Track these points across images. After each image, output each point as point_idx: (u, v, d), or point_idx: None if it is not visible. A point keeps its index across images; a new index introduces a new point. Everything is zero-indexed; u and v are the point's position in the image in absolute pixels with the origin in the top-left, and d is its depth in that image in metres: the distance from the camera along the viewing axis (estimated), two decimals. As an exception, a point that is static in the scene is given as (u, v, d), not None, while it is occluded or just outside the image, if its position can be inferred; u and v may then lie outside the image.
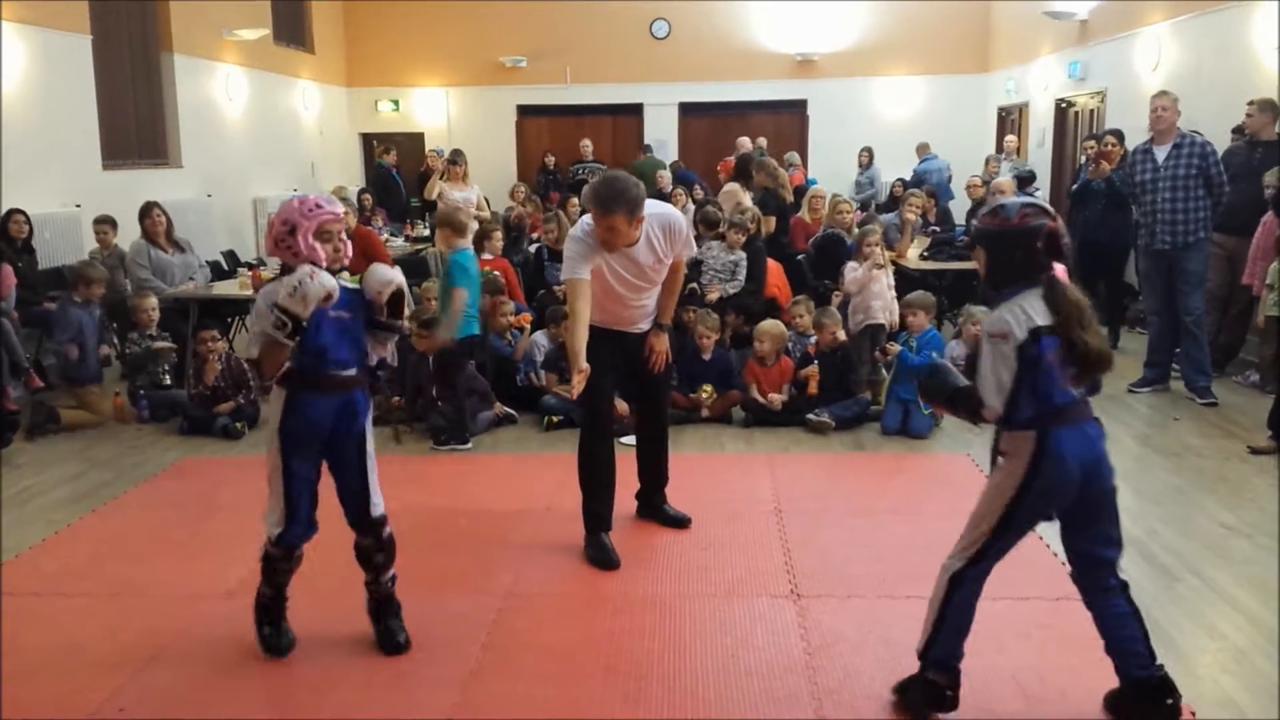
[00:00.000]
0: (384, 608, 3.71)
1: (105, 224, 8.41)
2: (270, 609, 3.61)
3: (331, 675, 3.51)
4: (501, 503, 5.22)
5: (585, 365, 4.04)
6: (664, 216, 4.31)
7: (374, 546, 3.64)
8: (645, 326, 4.53)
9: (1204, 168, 6.63)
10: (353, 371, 3.49)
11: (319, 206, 3.33)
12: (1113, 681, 3.24)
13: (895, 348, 6.46)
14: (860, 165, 14.43)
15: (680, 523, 4.81)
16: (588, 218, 4.28)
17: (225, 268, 9.78)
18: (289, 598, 3.65)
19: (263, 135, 13.07)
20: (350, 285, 3.49)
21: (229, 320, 8.40)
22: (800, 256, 8.49)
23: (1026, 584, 4.04)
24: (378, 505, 3.62)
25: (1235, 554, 4.42)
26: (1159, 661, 3.08)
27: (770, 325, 6.71)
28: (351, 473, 3.56)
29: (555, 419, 6.49)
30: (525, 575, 4.33)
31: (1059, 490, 2.94)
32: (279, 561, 3.53)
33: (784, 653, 3.59)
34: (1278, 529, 4.60)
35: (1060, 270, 2.92)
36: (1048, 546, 4.47)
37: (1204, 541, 4.55)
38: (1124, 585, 3.08)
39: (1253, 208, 6.96)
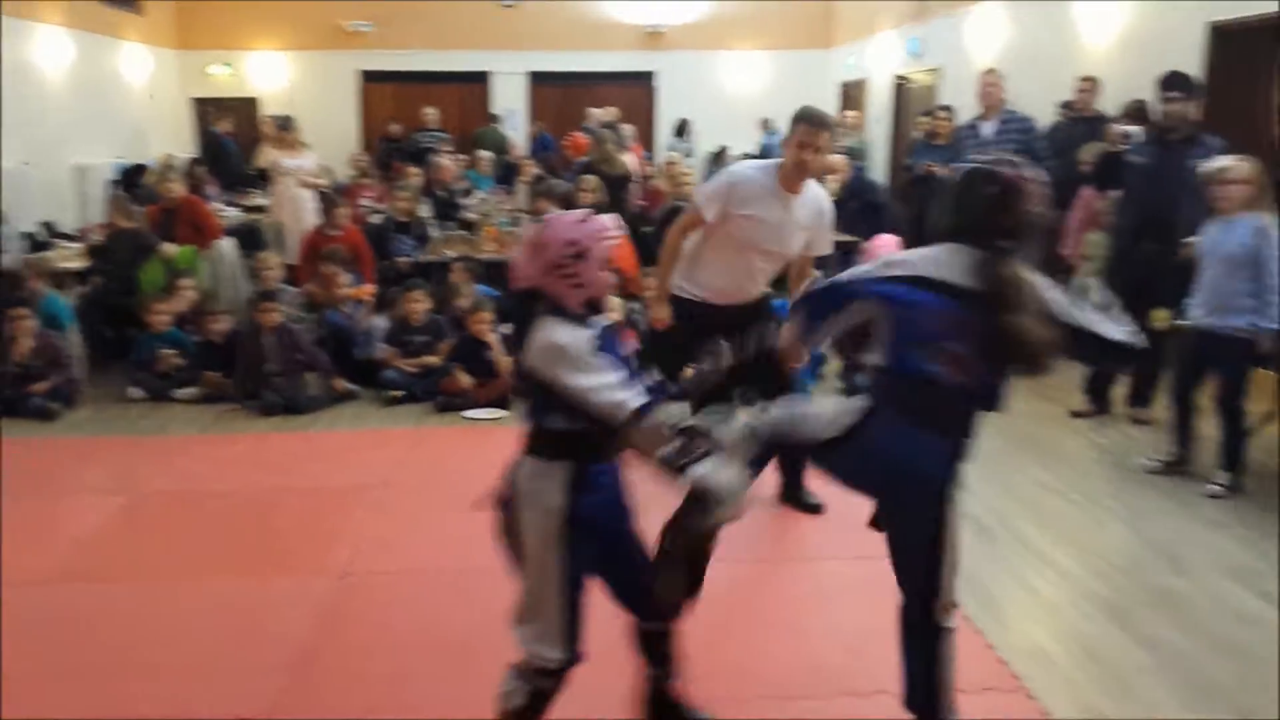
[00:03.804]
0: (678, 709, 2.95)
1: None
2: None
3: (148, 663, 3.38)
4: (337, 480, 5.09)
5: (667, 311, 4.41)
6: (825, 197, 4.42)
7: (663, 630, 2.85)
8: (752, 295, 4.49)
9: (1027, 142, 6.92)
10: None
11: (608, 227, 2.58)
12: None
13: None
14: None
15: (816, 509, 4.61)
16: (753, 162, 4.58)
17: (42, 239, 9.23)
18: None
19: (87, 100, 12.32)
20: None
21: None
22: (647, 229, 8.53)
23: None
24: None
25: (1048, 511, 4.66)
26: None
27: (610, 299, 6.69)
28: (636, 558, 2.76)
29: (396, 394, 6.36)
30: (361, 553, 4.23)
31: None
32: (552, 691, 2.68)
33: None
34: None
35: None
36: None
37: (1021, 500, 4.78)
38: (929, 624, 2.71)
39: (1070, 181, 7.28)
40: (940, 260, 2.54)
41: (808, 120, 4.11)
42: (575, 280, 2.50)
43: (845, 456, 2.69)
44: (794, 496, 4.64)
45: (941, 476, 2.60)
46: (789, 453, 3.94)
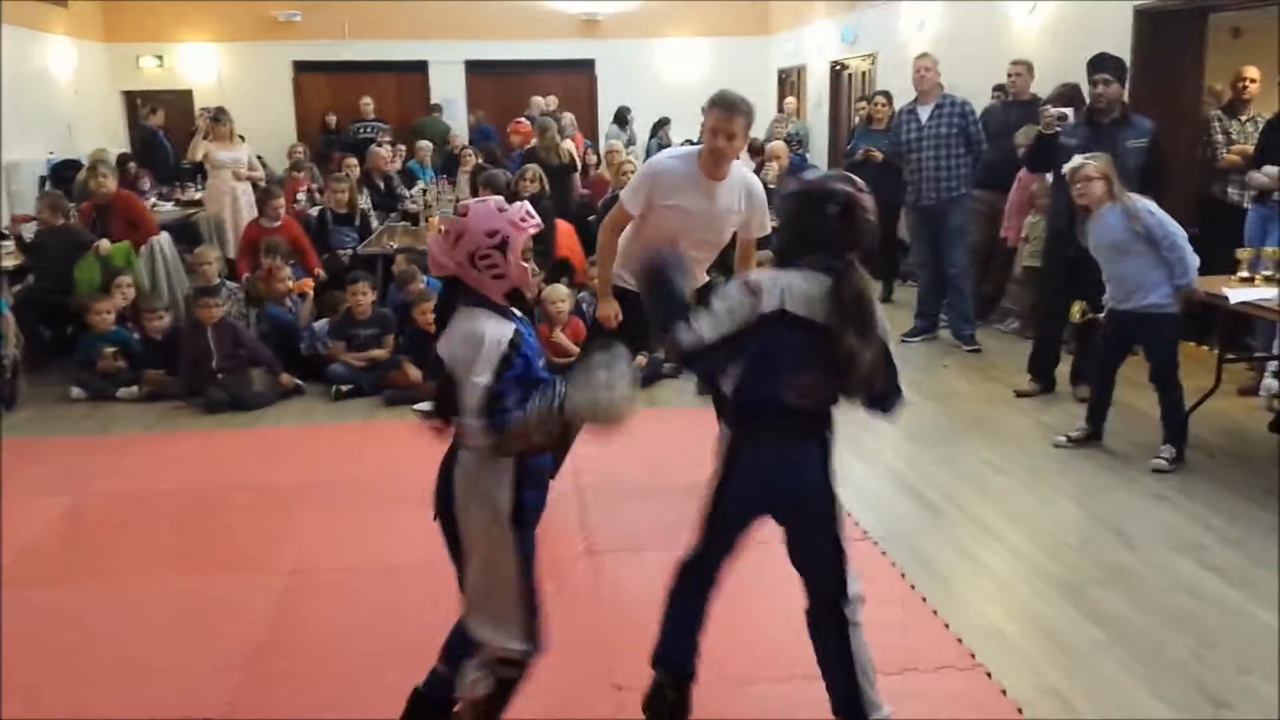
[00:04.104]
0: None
1: None
2: None
3: (100, 666, 3.31)
4: (285, 477, 5.02)
5: (615, 307, 4.27)
6: (753, 179, 4.33)
7: None
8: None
9: (964, 126, 7.01)
10: None
11: (530, 215, 2.52)
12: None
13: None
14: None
15: None
16: (674, 150, 4.44)
17: (-32, 237, 8.95)
18: None
19: (12, 95, 12.00)
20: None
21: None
22: (591, 218, 8.52)
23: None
24: None
25: (997, 489, 4.74)
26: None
27: (559, 290, 6.66)
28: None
29: (344, 388, 6.28)
30: (311, 552, 4.17)
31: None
32: (516, 681, 2.63)
33: (580, 606, 3.60)
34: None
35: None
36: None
37: (970, 479, 4.84)
38: (838, 622, 2.74)
39: (1008, 164, 7.39)
40: (792, 287, 2.55)
41: (719, 105, 4.00)
42: (497, 271, 2.44)
43: (725, 501, 2.74)
44: None
45: (820, 481, 2.65)
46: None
